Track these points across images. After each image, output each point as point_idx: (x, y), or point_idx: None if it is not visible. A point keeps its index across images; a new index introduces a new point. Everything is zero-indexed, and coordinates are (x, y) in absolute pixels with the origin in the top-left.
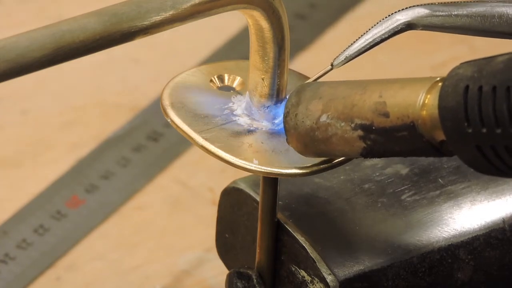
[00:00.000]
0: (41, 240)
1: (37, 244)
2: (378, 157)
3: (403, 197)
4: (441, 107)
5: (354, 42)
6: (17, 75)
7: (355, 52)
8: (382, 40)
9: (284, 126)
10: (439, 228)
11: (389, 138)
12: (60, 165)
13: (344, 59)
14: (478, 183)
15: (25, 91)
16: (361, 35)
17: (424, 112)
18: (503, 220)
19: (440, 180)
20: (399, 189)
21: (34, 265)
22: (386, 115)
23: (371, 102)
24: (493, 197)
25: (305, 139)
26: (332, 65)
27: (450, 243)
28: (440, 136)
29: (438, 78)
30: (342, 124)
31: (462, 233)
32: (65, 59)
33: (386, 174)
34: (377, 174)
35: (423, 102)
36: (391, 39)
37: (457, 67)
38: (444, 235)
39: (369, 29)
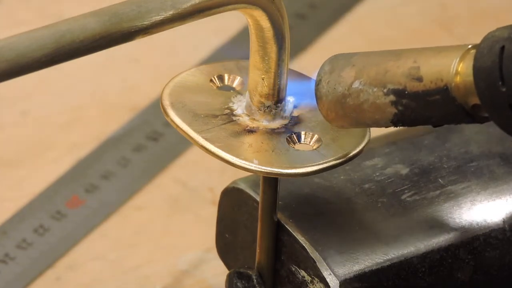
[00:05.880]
0: (41, 240)
1: (37, 244)
2: (408, 125)
3: (403, 197)
4: (476, 67)
5: None
6: (17, 75)
7: None
8: None
9: (316, 94)
10: (439, 228)
11: (422, 102)
12: (60, 165)
13: None
14: (478, 183)
15: (25, 91)
16: None
17: (458, 78)
18: (503, 220)
19: (440, 180)
20: (399, 189)
21: (34, 265)
22: (420, 79)
23: (405, 68)
24: (493, 197)
25: (336, 106)
26: None
27: (450, 243)
28: (473, 100)
29: (470, 46)
30: (375, 89)
31: (462, 233)
32: (65, 59)
33: (386, 174)
34: (377, 174)
35: (456, 69)
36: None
37: (493, 31)
38: (444, 235)
39: None
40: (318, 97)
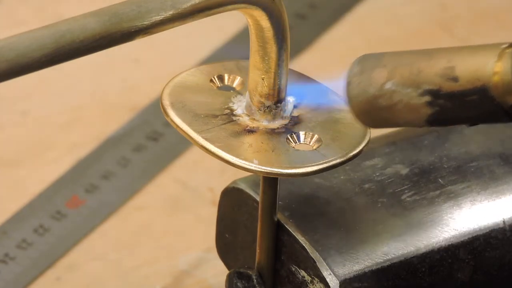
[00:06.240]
0: (41, 240)
1: (37, 244)
2: (442, 125)
3: (403, 197)
4: None
5: None
6: (17, 75)
7: None
8: None
9: (346, 96)
10: (439, 228)
11: (458, 102)
12: (60, 165)
13: None
14: (478, 183)
15: (25, 91)
16: None
17: (496, 77)
18: (503, 220)
19: (440, 180)
20: (399, 189)
21: (34, 265)
22: (456, 79)
23: (439, 68)
24: (493, 197)
25: (367, 107)
26: None
27: (450, 243)
28: None
29: (506, 45)
30: (408, 90)
31: (462, 233)
32: (65, 59)
33: (386, 174)
34: (377, 174)
35: (494, 69)
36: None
37: None
38: (444, 235)
39: None
40: (349, 99)
